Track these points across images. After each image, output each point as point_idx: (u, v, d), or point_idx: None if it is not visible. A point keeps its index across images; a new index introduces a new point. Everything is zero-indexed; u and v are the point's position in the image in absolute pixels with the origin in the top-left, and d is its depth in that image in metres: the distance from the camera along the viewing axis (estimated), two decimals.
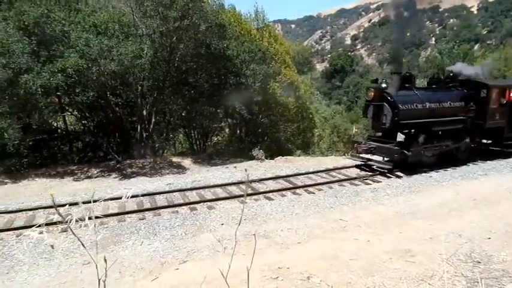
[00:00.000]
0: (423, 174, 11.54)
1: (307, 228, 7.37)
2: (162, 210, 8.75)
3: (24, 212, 8.84)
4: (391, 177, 11.42)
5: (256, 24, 23.48)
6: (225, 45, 16.46)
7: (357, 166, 12.61)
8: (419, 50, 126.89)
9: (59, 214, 1.45)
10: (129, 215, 8.43)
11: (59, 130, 17.52)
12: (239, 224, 3.89)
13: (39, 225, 1.45)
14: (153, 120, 16.67)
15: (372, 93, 11.94)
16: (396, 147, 11.45)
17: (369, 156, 12.40)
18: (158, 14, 14.23)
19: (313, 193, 9.84)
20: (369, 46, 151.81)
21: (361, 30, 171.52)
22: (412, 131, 12.19)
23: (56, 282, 5.61)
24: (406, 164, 11.52)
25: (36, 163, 14.61)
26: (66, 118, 17.44)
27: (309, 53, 61.18)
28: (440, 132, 12.48)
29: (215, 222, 8.01)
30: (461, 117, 12.61)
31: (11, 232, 7.62)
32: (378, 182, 10.95)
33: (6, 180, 12.56)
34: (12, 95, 12.08)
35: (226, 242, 6.96)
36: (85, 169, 14.09)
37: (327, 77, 57.82)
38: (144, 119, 16.29)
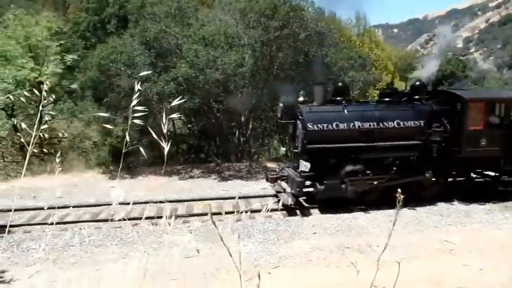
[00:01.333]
0: (346, 214, 8.85)
1: (408, 247, 6.85)
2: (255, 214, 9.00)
3: (138, 205, 9.96)
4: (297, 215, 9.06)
5: (356, 30, 22.83)
6: (324, 52, 16.35)
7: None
8: None
9: (211, 219, 1.63)
10: (226, 216, 8.85)
11: (168, 132, 19.38)
12: None
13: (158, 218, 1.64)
14: (250, 126, 17.36)
15: (281, 109, 9.80)
16: (300, 179, 8.91)
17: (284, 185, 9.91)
18: (260, 24, 14.83)
19: (414, 209, 9.10)
20: (485, 49, 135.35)
21: (476, 31, 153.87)
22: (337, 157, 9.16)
23: (160, 271, 6.19)
24: (322, 200, 9.15)
25: (149, 162, 16.43)
26: (175, 122, 19.26)
27: (413, 58, 57.02)
28: (385, 162, 9.40)
29: (307, 231, 7.97)
30: (418, 142, 9.20)
31: (128, 222, 8.67)
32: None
33: (126, 176, 14.39)
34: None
35: (318, 252, 6.88)
36: (189, 169, 15.35)
37: (433, 84, 53.13)
38: (242, 125, 17.08)
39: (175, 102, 1.97)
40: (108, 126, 9.93)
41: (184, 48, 14.06)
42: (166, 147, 1.77)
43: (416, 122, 9.43)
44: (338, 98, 9.67)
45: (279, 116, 10.16)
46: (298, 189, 8.89)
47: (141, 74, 2.24)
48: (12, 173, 15.76)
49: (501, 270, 5.81)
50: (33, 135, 1.92)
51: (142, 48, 14.20)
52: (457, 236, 7.38)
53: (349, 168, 9.01)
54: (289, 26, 14.70)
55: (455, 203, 9.62)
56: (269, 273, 6.12)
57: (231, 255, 1.78)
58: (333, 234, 7.74)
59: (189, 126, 19.41)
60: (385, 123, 9.28)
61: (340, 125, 9.06)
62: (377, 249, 6.81)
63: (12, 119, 14.59)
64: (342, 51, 17.59)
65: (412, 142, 9.23)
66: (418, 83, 10.64)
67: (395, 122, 9.33)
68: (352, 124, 9.12)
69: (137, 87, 1.81)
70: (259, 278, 1.78)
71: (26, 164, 2.48)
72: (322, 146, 8.86)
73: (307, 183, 9.24)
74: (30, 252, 7.02)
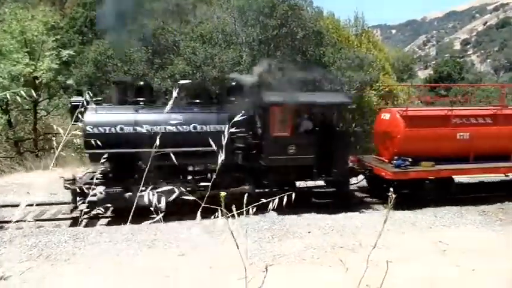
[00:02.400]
0: (340, 215, 8.69)
1: (401, 247, 6.87)
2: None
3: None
4: None
5: (354, 31, 22.86)
6: (321, 52, 16.37)
7: None
8: None
9: None
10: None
11: None
12: None
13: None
14: None
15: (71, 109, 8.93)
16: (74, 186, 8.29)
17: None
18: (258, 22, 14.83)
19: (409, 210, 9.14)
20: (482, 51, 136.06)
21: (474, 34, 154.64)
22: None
23: (156, 268, 6.18)
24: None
25: None
26: None
27: (410, 60, 57.20)
28: (185, 169, 8.64)
29: (302, 230, 7.97)
30: (215, 149, 8.15)
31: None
32: None
33: None
34: None
35: (312, 251, 6.88)
36: None
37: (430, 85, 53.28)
38: None
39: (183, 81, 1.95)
40: None
41: (182, 45, 14.03)
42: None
43: (217, 126, 8.45)
44: (138, 99, 8.74)
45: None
46: (72, 197, 8.29)
47: (181, 82, 2.18)
48: (6, 168, 15.67)
49: (493, 272, 5.84)
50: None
51: (140, 44, 14.15)
52: (451, 237, 7.41)
53: (136, 175, 8.11)
54: (287, 24, 14.72)
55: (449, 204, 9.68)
56: (263, 271, 6.12)
57: (238, 247, 1.77)
58: (327, 234, 7.75)
59: None
60: (180, 127, 8.37)
61: (126, 128, 8.23)
62: (370, 249, 6.82)
63: (7, 114, 14.53)
64: (340, 51, 17.60)
65: (209, 148, 7.80)
66: (233, 83, 9.67)
67: (191, 126, 8.47)
68: (140, 128, 8.24)
69: (175, 93, 1.76)
70: (267, 270, 1.78)
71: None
72: (103, 151, 7.62)
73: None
74: (23, 249, 6.97)
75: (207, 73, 13.84)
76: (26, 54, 16.15)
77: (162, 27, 14.12)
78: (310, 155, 8.81)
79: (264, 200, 1.86)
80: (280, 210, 8.90)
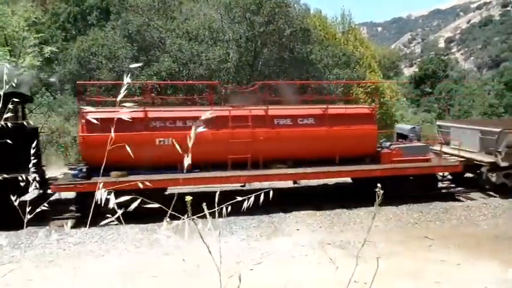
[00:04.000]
0: (328, 211, 8.76)
1: (388, 243, 6.93)
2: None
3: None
4: None
5: (341, 28, 22.97)
6: (309, 49, 16.40)
7: None
8: None
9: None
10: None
11: None
12: None
13: None
14: None
15: None
16: None
17: None
18: (245, 19, 14.75)
19: (396, 207, 9.22)
20: (466, 49, 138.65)
21: (458, 32, 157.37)
22: None
23: (141, 268, 6.09)
24: None
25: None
26: None
27: (396, 57, 57.88)
28: None
29: (290, 227, 7.97)
30: None
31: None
32: None
33: None
34: (116, 95, 13.60)
35: (301, 249, 6.89)
36: None
37: (415, 83, 54.02)
38: None
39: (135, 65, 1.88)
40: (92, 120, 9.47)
41: (168, 42, 13.85)
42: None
43: None
44: None
45: None
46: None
47: (132, 65, 2.12)
48: None
49: (477, 266, 5.95)
50: None
51: (125, 41, 13.91)
52: (436, 233, 7.51)
53: None
54: (274, 22, 14.68)
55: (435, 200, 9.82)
56: (251, 269, 6.10)
57: (210, 253, 1.72)
58: (315, 231, 7.77)
59: None
60: None
61: None
62: (358, 245, 6.87)
63: None
64: (327, 49, 17.67)
65: None
66: None
67: None
68: None
69: (126, 79, 1.71)
70: (240, 280, 1.73)
71: None
72: None
73: None
74: (5, 251, 6.78)
75: (194, 70, 13.71)
76: (6, 51, 15.72)
77: (147, 23, 13.90)
78: None
79: (239, 198, 1.83)
80: (268, 208, 8.98)
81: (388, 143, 10.27)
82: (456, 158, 10.42)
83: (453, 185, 11.54)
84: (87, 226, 6.91)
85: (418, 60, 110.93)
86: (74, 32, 23.77)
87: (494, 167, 9.94)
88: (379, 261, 6.61)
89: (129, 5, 15.56)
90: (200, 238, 1.82)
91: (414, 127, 11.25)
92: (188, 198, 1.70)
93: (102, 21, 21.17)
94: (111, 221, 1.70)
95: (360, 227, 7.96)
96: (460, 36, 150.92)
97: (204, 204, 1.75)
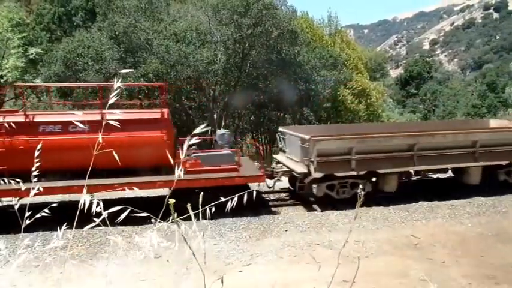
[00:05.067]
0: (317, 212, 8.95)
1: (375, 243, 7.03)
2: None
3: None
4: None
5: (328, 30, 23.18)
6: (296, 51, 16.50)
7: None
8: (510, 55, 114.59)
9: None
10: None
11: None
12: None
13: None
14: (223, 123, 17.27)
15: None
16: None
17: None
18: (233, 21, 14.76)
19: (383, 206, 9.35)
20: (450, 51, 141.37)
21: (442, 34, 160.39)
22: None
23: (129, 272, 6.04)
24: None
25: None
26: None
27: (382, 59, 58.68)
28: None
29: (279, 228, 8.01)
30: None
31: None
32: None
33: None
34: (103, 97, 13.43)
35: (289, 249, 6.93)
36: None
37: (401, 84, 54.85)
38: (214, 122, 16.97)
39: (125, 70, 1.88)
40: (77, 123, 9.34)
41: (155, 44, 13.77)
42: None
43: None
44: None
45: None
46: None
47: (123, 71, 2.10)
48: None
49: (462, 263, 6.08)
50: None
51: (111, 42, 13.78)
52: (422, 231, 7.64)
53: None
54: (261, 24, 14.73)
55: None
56: (240, 271, 6.11)
57: (194, 256, 1.74)
58: (304, 232, 7.83)
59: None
60: None
61: None
62: (347, 245, 6.94)
63: None
64: (314, 51, 17.82)
65: None
66: None
67: None
68: None
69: (117, 84, 1.69)
70: (222, 283, 1.75)
71: None
72: None
73: None
74: None
75: (182, 72, 13.66)
76: None
77: (134, 25, 13.78)
78: None
79: (222, 199, 1.85)
80: (257, 209, 8.98)
81: (193, 152, 8.96)
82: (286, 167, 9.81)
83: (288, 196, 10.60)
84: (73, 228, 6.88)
85: (404, 62, 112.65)
86: (59, 33, 23.43)
87: (307, 177, 9.08)
88: (367, 260, 6.70)
89: (116, 6, 15.43)
90: (191, 240, 1.83)
91: (224, 133, 10.14)
92: (171, 201, 1.71)
93: (88, 22, 20.93)
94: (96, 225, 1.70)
95: (348, 227, 8.05)
96: (444, 39, 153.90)
97: (189, 205, 1.77)
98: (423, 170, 10.20)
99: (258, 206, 8.91)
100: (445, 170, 10.72)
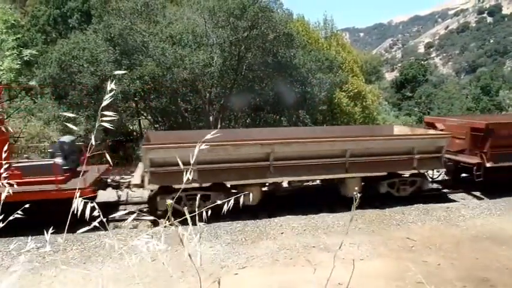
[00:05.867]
0: (313, 214, 8.78)
1: (371, 245, 7.04)
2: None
3: None
4: None
5: (324, 33, 23.28)
6: (292, 54, 16.54)
7: None
8: (503, 58, 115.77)
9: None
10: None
11: (134, 133, 18.94)
12: None
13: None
14: (219, 126, 17.25)
15: None
16: None
17: None
18: (229, 24, 14.77)
19: (379, 208, 9.38)
20: (444, 55, 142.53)
21: (437, 37, 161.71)
22: None
23: (124, 275, 6.00)
24: None
25: (115, 162, 15.91)
26: (141, 122, 18.78)
27: (378, 62, 59.00)
28: None
29: (275, 231, 8.00)
30: None
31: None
32: None
33: None
34: (97, 100, 13.38)
35: (285, 252, 6.92)
36: None
37: (396, 87, 55.12)
38: (210, 125, 16.94)
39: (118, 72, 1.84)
40: (69, 125, 9.32)
41: (151, 46, 13.74)
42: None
43: None
44: None
45: None
46: None
47: (116, 72, 2.07)
48: None
49: (457, 266, 6.10)
50: None
51: (107, 44, 13.73)
52: (418, 234, 7.66)
53: None
54: (257, 26, 14.74)
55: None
56: (236, 274, 6.09)
57: (190, 258, 1.72)
58: (300, 234, 7.82)
59: (156, 126, 19.02)
60: None
61: None
62: (343, 247, 6.95)
63: None
64: (310, 53, 17.87)
65: None
66: None
67: None
68: None
69: (110, 86, 1.67)
70: (219, 284, 1.74)
71: None
72: None
73: None
74: None
75: (178, 75, 13.63)
76: None
77: (130, 27, 13.75)
78: None
79: (218, 202, 1.84)
80: (253, 212, 8.96)
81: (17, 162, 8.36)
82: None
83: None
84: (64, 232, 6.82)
85: (399, 65, 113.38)
86: (54, 35, 23.31)
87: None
88: (363, 263, 6.70)
89: (111, 8, 15.38)
90: (195, 244, 1.82)
91: (63, 141, 9.06)
92: (168, 202, 1.71)
93: (83, 24, 20.83)
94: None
95: (344, 229, 8.05)
96: (439, 42, 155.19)
97: (185, 207, 1.76)
98: (290, 181, 9.34)
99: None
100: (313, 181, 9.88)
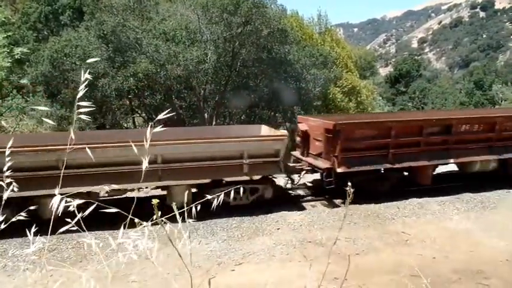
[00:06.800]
0: (308, 210, 8.92)
1: (366, 239, 7.08)
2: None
3: None
4: None
5: (318, 29, 23.26)
6: (286, 50, 16.51)
7: None
8: (496, 53, 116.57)
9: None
10: None
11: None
12: None
13: None
14: (214, 123, 17.21)
15: None
16: None
17: None
18: (223, 20, 14.70)
19: (373, 203, 9.42)
20: (438, 49, 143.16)
21: (430, 32, 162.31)
22: None
23: (121, 273, 5.98)
24: None
25: None
26: (135, 119, 18.68)
27: (372, 57, 59.12)
28: None
29: (271, 227, 8.01)
30: None
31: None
32: None
33: None
34: (90, 98, 13.26)
35: (281, 248, 6.94)
36: None
37: (390, 82, 55.30)
38: (205, 122, 16.89)
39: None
40: (46, 120, 8.21)
41: (144, 43, 13.64)
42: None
43: None
44: None
45: None
46: None
47: (89, 60, 1.97)
48: None
49: (452, 259, 6.15)
50: None
51: (99, 42, 13.60)
52: (412, 228, 7.72)
53: None
54: (251, 22, 14.69)
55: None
56: (232, 270, 6.09)
57: (180, 256, 1.71)
58: (295, 230, 7.84)
59: (150, 123, 18.92)
60: None
61: None
62: (338, 242, 6.98)
63: None
64: (304, 49, 17.85)
65: None
66: None
67: None
68: None
69: (84, 76, 1.60)
70: (209, 284, 1.73)
71: None
72: None
73: None
74: None
75: (171, 72, 13.55)
76: None
77: (122, 24, 13.62)
78: None
79: (208, 196, 1.82)
80: (250, 208, 8.96)
81: None
82: None
83: None
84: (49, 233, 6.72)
85: (393, 60, 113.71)
86: (45, 33, 23.05)
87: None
88: (359, 257, 6.73)
89: (104, 5, 15.23)
90: (185, 241, 1.81)
91: None
92: (154, 201, 1.69)
93: (75, 21, 20.64)
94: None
95: (339, 224, 8.08)
96: (432, 37, 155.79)
97: (174, 203, 1.74)
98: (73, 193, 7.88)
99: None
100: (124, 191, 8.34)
